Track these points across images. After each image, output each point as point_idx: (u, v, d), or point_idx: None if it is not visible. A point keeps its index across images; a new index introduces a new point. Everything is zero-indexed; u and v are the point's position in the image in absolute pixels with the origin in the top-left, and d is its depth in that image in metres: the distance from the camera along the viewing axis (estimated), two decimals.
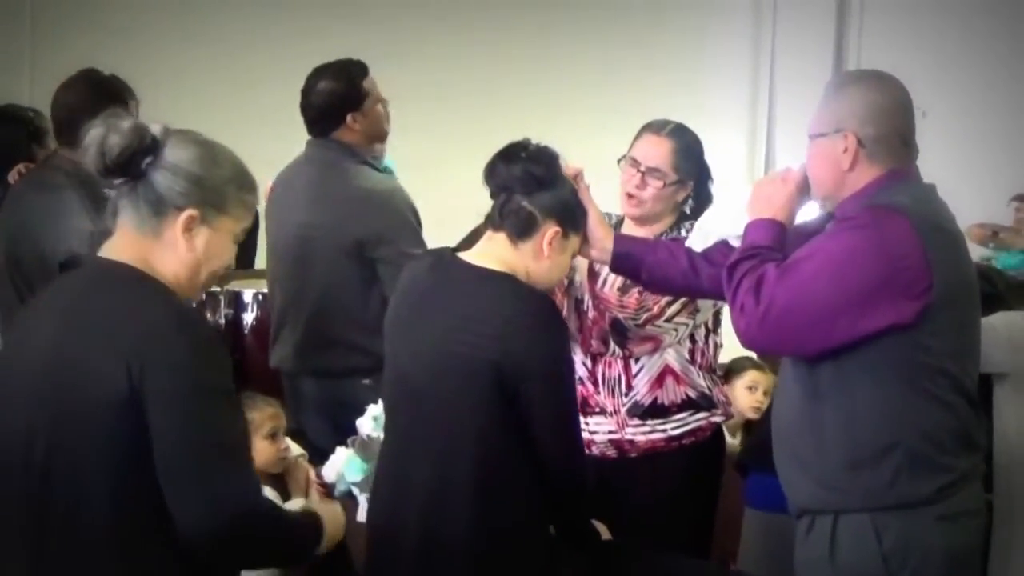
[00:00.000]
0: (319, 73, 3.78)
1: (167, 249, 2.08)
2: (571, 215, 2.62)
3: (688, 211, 3.12)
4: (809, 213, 2.70)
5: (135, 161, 2.05)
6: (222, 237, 2.13)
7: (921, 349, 2.36)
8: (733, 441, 3.75)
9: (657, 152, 3.06)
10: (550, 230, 2.57)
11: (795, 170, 2.57)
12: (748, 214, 2.55)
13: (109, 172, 2.06)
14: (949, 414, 2.41)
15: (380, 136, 3.84)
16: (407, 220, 3.69)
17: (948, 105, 7.23)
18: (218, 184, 2.10)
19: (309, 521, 2.26)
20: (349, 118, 3.72)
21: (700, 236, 2.71)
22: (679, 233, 3.07)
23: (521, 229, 2.56)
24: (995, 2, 8.80)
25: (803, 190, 2.55)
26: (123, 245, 2.09)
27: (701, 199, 3.13)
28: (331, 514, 2.39)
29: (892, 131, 2.46)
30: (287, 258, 3.83)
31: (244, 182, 2.15)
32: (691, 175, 3.10)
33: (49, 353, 2.01)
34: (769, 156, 9.40)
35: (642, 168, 3.05)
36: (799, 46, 9.35)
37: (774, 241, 2.47)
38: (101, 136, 2.04)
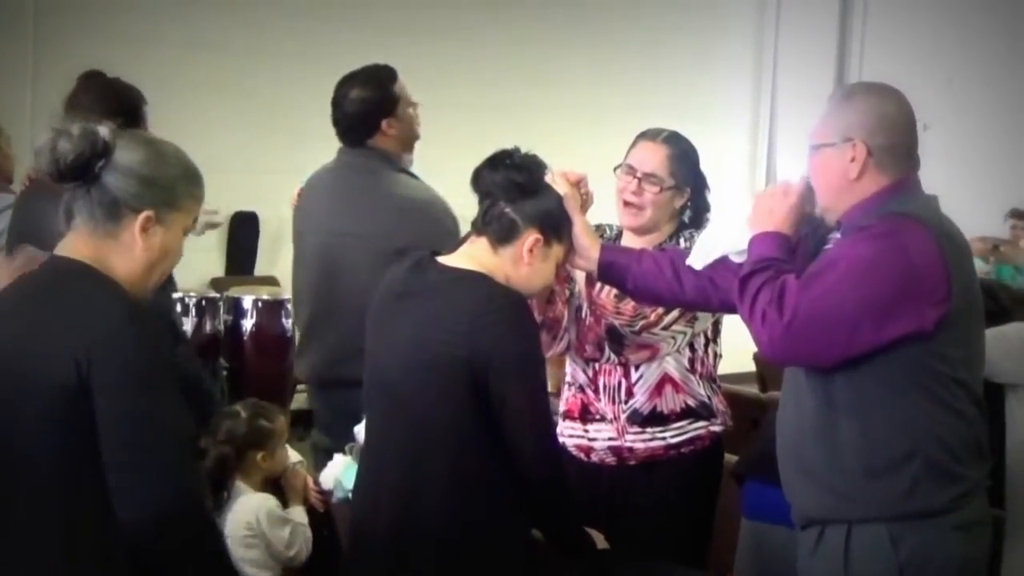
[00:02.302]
0: (349, 81, 3.74)
1: (123, 249, 2.13)
2: (554, 224, 2.63)
3: (687, 220, 3.12)
4: None
5: (89, 165, 2.09)
6: (175, 233, 2.19)
7: (937, 357, 2.36)
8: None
9: (653, 158, 3.07)
10: (531, 237, 2.59)
11: (795, 182, 2.56)
12: (750, 228, 2.54)
13: (63, 177, 2.10)
14: (963, 423, 2.40)
15: (413, 140, 3.81)
16: (448, 229, 3.63)
17: (948, 117, 7.26)
18: (169, 183, 2.16)
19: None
20: (384, 124, 3.71)
21: (702, 252, 2.70)
22: (678, 243, 3.07)
23: (502, 235, 2.59)
24: (998, 12, 8.81)
25: (804, 202, 2.54)
26: (79, 245, 2.13)
27: (699, 208, 3.13)
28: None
29: (901, 142, 2.46)
30: (318, 266, 3.77)
31: (192, 176, 2.22)
32: (687, 182, 3.09)
33: (2, 348, 2.05)
34: (770, 162, 9.41)
35: (638, 174, 3.06)
36: (802, 54, 9.38)
37: (782, 252, 2.46)
38: (52, 142, 2.09)
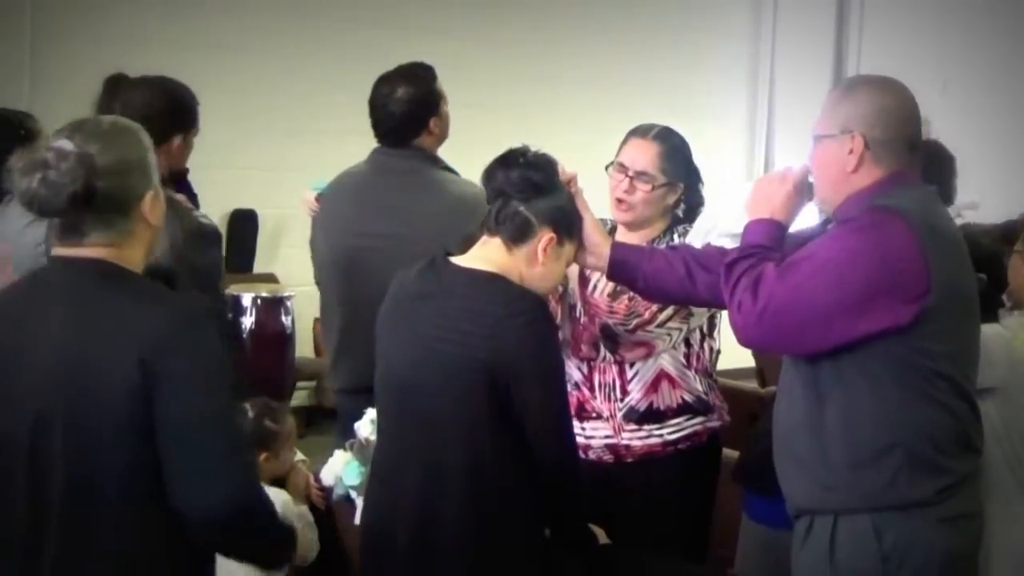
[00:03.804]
0: (392, 80, 3.63)
1: (136, 238, 2.13)
2: (567, 222, 2.63)
3: (680, 215, 3.13)
4: (807, 218, 2.69)
5: (93, 186, 2.05)
6: (159, 189, 2.17)
7: (919, 352, 2.35)
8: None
9: (644, 156, 3.06)
10: (545, 236, 2.58)
11: (795, 169, 2.56)
12: (747, 213, 2.54)
13: (75, 209, 2.04)
14: (948, 416, 2.40)
15: (446, 137, 3.73)
16: None
17: (944, 119, 7.25)
18: (144, 156, 2.14)
19: (290, 533, 2.32)
20: (431, 122, 3.63)
21: (700, 233, 2.70)
22: (672, 238, 3.07)
23: (517, 234, 2.57)
24: (996, 14, 8.81)
25: (803, 190, 2.55)
26: (95, 247, 2.10)
27: (692, 202, 3.13)
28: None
29: (899, 135, 2.45)
30: (349, 273, 3.62)
31: (143, 134, 2.17)
32: (679, 177, 3.09)
33: (59, 349, 2.04)
34: (768, 160, 9.42)
35: (630, 172, 3.06)
36: (799, 48, 9.38)
37: (772, 240, 2.47)
38: (39, 181, 2.02)
